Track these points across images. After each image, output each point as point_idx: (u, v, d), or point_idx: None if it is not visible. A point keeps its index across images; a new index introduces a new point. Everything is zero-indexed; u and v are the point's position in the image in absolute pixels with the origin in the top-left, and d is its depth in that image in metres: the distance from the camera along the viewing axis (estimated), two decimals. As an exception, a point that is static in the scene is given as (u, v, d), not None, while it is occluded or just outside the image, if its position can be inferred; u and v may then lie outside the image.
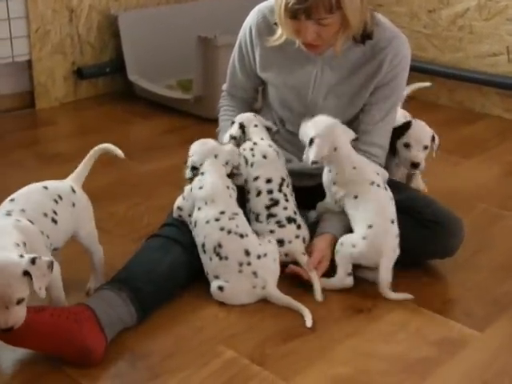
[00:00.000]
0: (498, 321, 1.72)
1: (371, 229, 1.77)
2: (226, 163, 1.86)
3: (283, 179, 1.90)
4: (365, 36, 1.84)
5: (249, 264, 1.72)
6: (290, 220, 1.86)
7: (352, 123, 1.95)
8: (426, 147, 2.03)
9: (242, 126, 1.97)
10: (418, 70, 3.26)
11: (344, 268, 1.80)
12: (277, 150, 1.94)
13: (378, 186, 1.82)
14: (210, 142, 1.89)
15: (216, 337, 1.62)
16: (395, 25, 1.94)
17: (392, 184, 1.95)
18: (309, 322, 1.67)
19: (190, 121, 3.08)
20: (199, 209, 1.78)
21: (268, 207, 1.86)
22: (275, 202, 1.86)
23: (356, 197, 1.81)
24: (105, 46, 3.36)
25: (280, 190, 1.88)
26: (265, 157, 1.90)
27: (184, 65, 3.27)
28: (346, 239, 1.80)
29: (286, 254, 1.83)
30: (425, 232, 1.85)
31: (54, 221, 1.57)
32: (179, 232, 1.81)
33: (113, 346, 1.55)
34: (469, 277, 1.92)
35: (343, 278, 1.80)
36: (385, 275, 1.77)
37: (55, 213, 1.58)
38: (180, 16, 3.43)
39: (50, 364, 1.50)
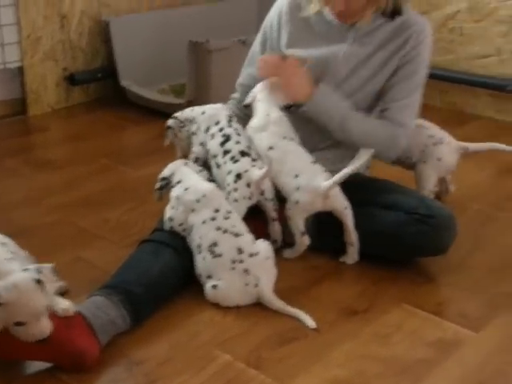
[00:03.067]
0: (493, 321, 1.72)
1: (298, 177, 1.86)
2: (197, 159, 1.97)
3: (230, 116, 2.01)
4: (395, 12, 1.90)
5: (241, 262, 1.72)
6: (244, 154, 1.90)
7: (375, 103, 2.00)
8: None
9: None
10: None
11: (297, 226, 1.87)
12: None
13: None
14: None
15: (212, 341, 1.62)
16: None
17: (381, 183, 2.02)
18: (311, 323, 1.67)
19: (182, 125, 3.07)
20: (193, 211, 1.78)
21: (222, 144, 1.93)
22: (227, 138, 1.93)
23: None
24: (96, 51, 3.35)
25: (230, 126, 1.96)
26: (203, 112, 2.05)
27: (176, 70, 3.27)
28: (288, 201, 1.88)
29: (248, 185, 1.85)
30: (419, 227, 1.85)
31: None
32: (170, 236, 1.81)
33: (108, 351, 1.55)
34: (463, 277, 1.92)
35: (299, 238, 1.89)
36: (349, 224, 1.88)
37: None
38: (172, 21, 3.43)
39: (45, 371, 1.49)
